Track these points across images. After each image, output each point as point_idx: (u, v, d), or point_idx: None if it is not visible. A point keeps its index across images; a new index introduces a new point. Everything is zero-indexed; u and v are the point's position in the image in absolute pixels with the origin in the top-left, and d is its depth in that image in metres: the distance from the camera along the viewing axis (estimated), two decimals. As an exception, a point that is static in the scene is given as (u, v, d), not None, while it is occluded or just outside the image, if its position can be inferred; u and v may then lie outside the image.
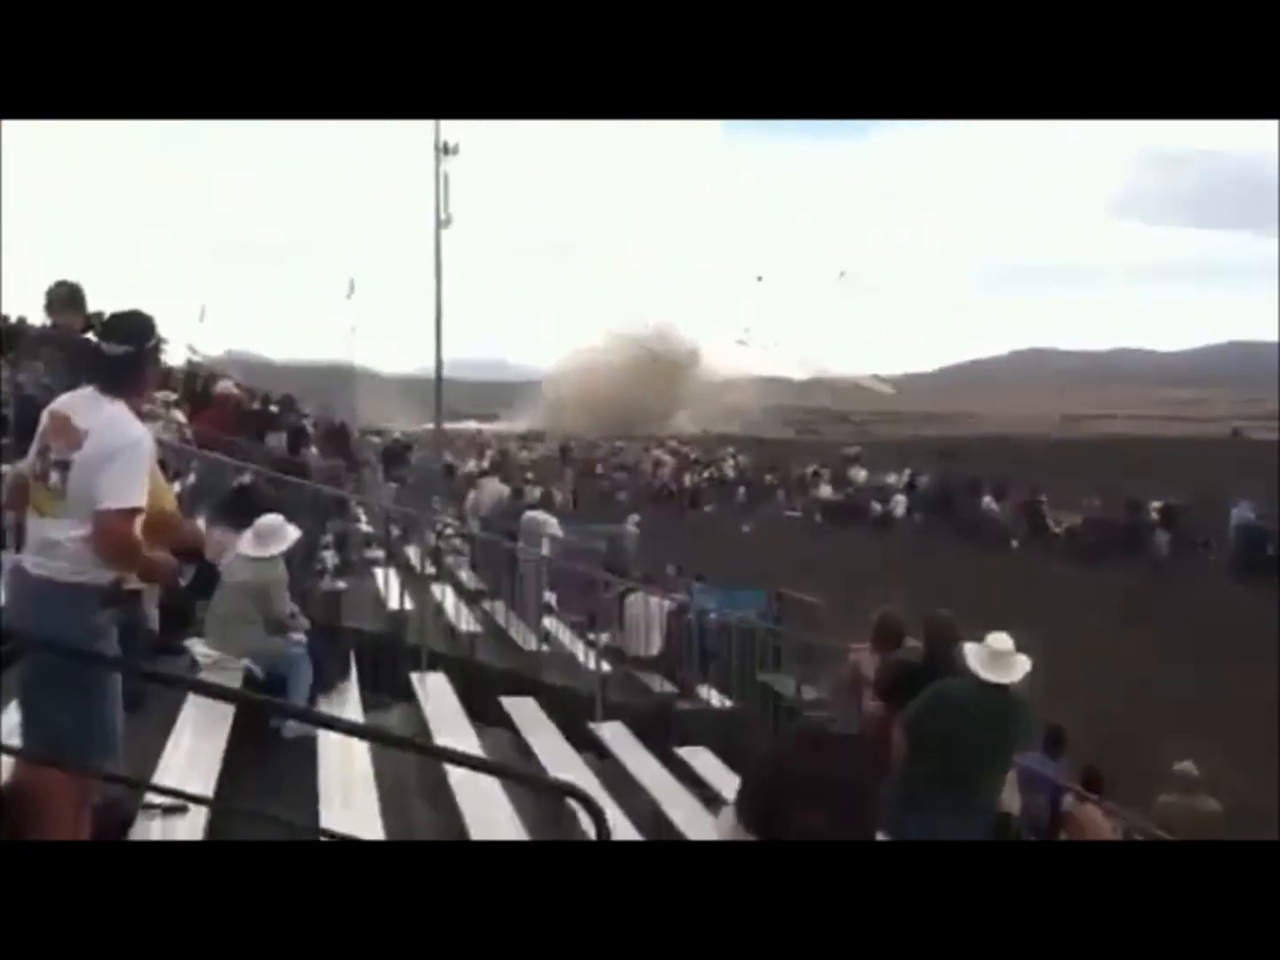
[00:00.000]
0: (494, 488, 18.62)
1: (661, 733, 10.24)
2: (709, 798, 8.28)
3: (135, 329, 4.12)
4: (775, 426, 77.75)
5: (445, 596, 12.22)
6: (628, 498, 38.56)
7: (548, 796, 6.75)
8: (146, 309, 4.26)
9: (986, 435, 58.98)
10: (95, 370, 4.07)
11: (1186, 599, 22.19)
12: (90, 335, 5.80)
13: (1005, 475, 33.56)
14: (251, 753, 6.09)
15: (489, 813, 6.31)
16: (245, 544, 7.43)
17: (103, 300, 7.35)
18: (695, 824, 7.41)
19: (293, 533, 7.63)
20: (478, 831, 6.08)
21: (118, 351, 4.02)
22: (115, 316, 4.25)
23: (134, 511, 3.84)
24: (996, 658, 6.32)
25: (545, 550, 13.60)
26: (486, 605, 13.40)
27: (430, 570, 12.60)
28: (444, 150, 32.17)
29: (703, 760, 9.65)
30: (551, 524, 14.84)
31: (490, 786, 6.58)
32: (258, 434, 13.34)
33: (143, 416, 4.41)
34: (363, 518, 15.54)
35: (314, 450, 15.17)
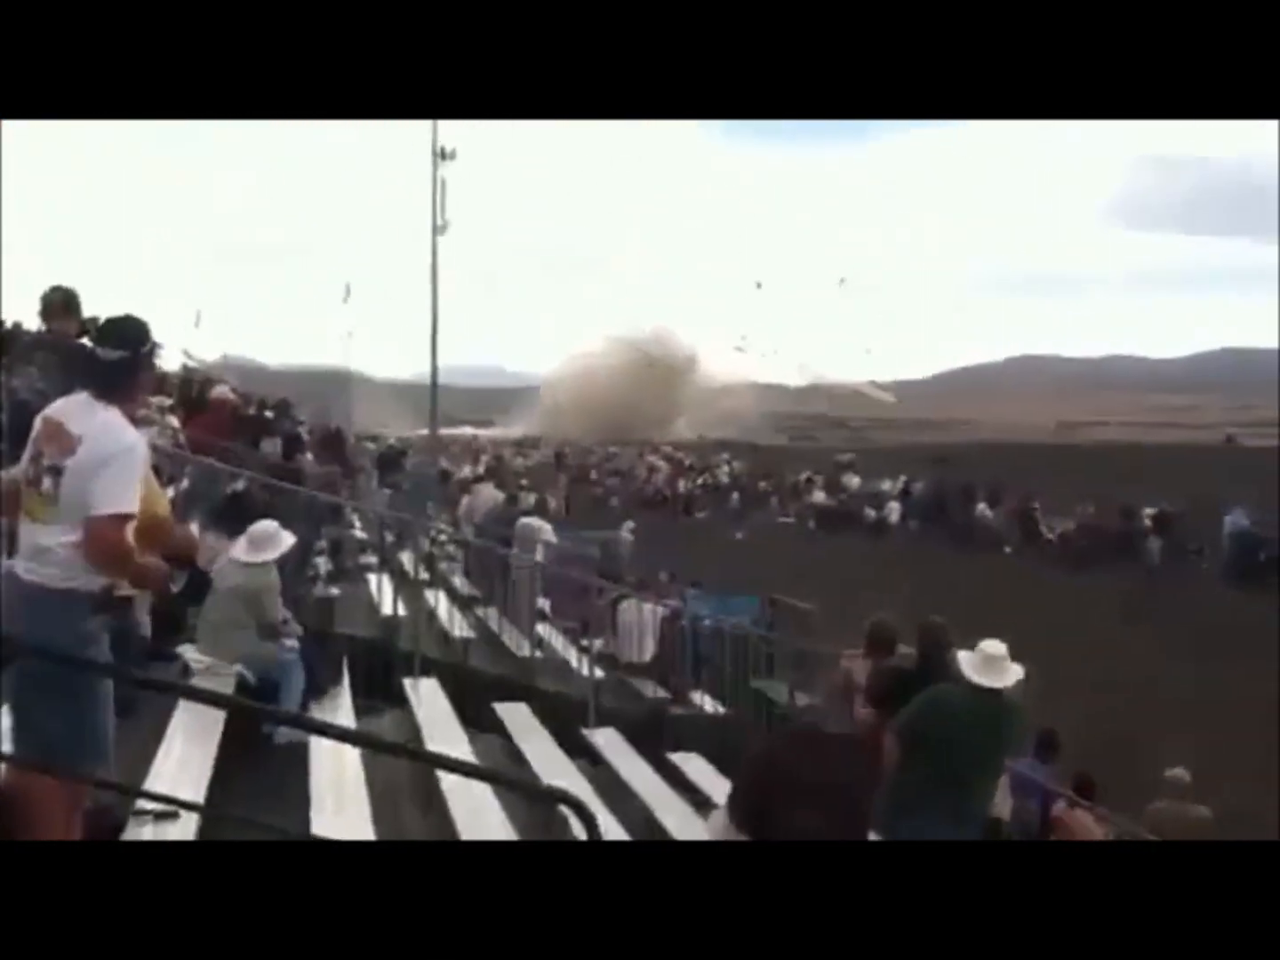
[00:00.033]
0: (488, 493, 18.60)
1: (654, 739, 10.24)
2: (702, 803, 8.28)
3: (129, 334, 4.12)
4: (770, 433, 77.76)
5: (439, 602, 12.20)
6: (621, 504, 38.55)
7: (540, 803, 6.75)
8: (143, 313, 4.27)
9: (981, 442, 59.07)
10: (89, 376, 4.07)
11: (1178, 604, 22.22)
12: (85, 341, 5.80)
13: (1000, 481, 33.61)
14: (243, 759, 6.08)
15: (481, 819, 6.31)
16: (240, 549, 7.43)
17: (99, 304, 7.35)
18: (688, 830, 7.41)
19: (287, 539, 7.63)
20: (470, 837, 6.08)
21: (112, 357, 4.02)
22: (109, 322, 4.25)
23: (126, 518, 3.84)
24: (989, 663, 6.34)
25: (539, 556, 13.59)
26: (480, 611, 13.38)
27: (424, 576, 12.60)
28: (441, 155, 32.22)
29: (696, 766, 9.65)
30: (545, 530, 14.83)
31: (482, 793, 6.58)
32: (252, 440, 13.33)
33: (137, 422, 4.42)
34: (357, 523, 15.53)
35: (309, 456, 15.15)
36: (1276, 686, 16.00)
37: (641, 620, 12.70)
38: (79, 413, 3.98)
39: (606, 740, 9.81)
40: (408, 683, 9.26)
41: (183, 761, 5.63)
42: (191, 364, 24.72)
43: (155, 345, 4.26)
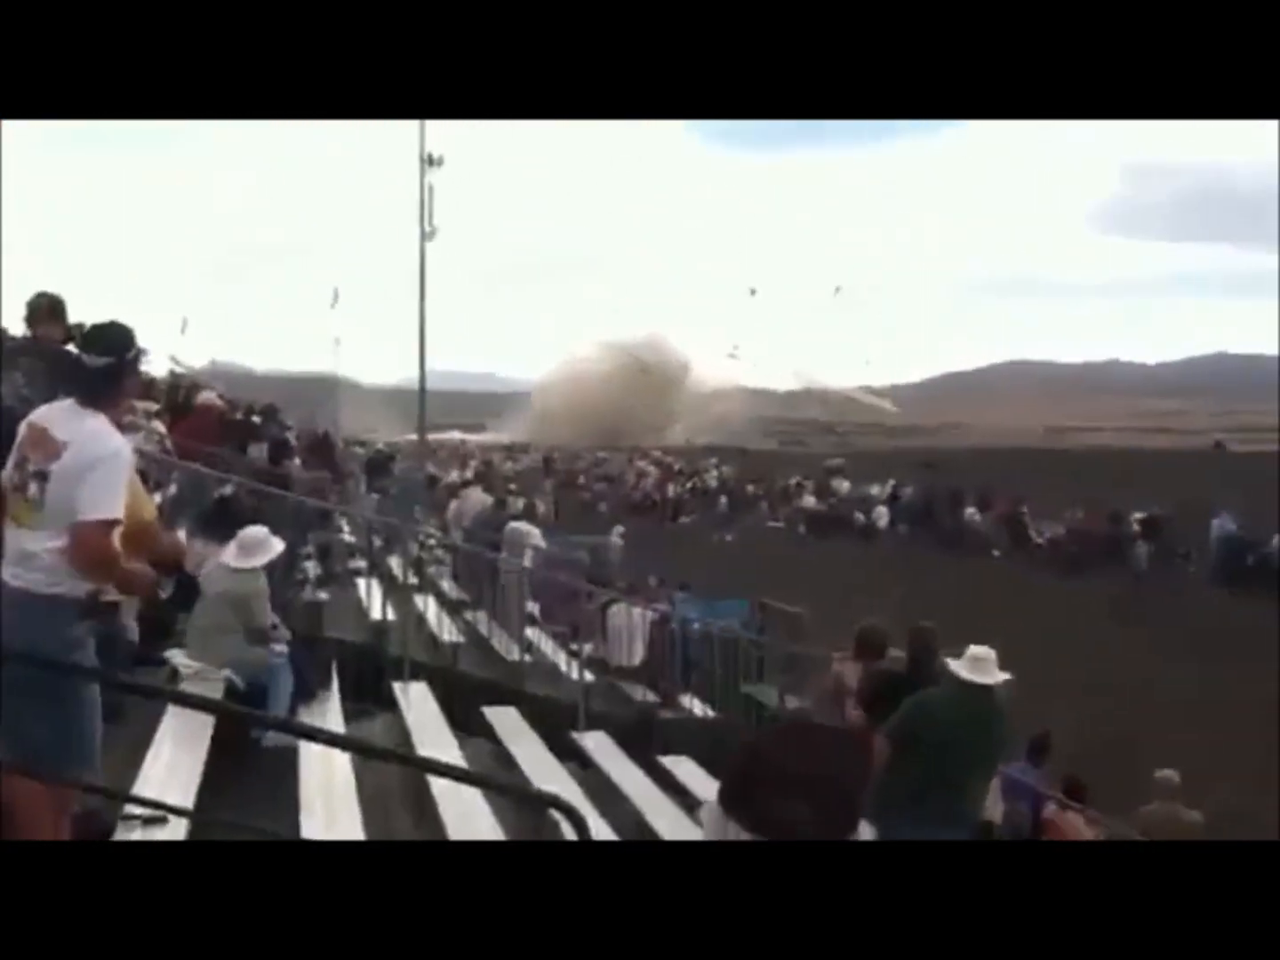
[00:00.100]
0: (477, 498, 18.60)
1: (644, 742, 10.24)
2: (692, 807, 8.28)
3: (115, 340, 4.11)
4: (760, 437, 77.86)
5: (428, 607, 12.19)
6: (609, 509, 38.55)
7: (530, 807, 6.74)
8: (130, 319, 4.27)
9: (970, 447, 59.21)
10: (74, 382, 4.06)
11: (1167, 608, 22.31)
12: (70, 347, 5.78)
13: (989, 486, 33.69)
14: (232, 764, 6.06)
15: (471, 823, 6.30)
16: (229, 555, 7.41)
17: (86, 311, 7.33)
18: (678, 833, 7.42)
19: (277, 544, 7.62)
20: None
21: (97, 363, 4.01)
22: (95, 328, 4.24)
23: (112, 523, 3.82)
24: (977, 663, 6.38)
25: (528, 561, 13.59)
26: (469, 615, 13.37)
27: (413, 580, 12.58)
28: (429, 161, 32.18)
29: (685, 770, 9.65)
30: (534, 535, 14.84)
31: (472, 797, 6.57)
32: (239, 445, 13.28)
33: (123, 427, 4.41)
34: (345, 528, 15.50)
35: (296, 461, 15.11)
36: (1267, 689, 16.08)
37: (631, 624, 12.71)
38: (64, 418, 3.97)
39: (596, 744, 9.80)
40: (397, 687, 9.25)
41: (171, 766, 5.60)
42: (179, 369, 24.64)
43: (140, 351, 4.25)
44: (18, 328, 7.58)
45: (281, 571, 8.72)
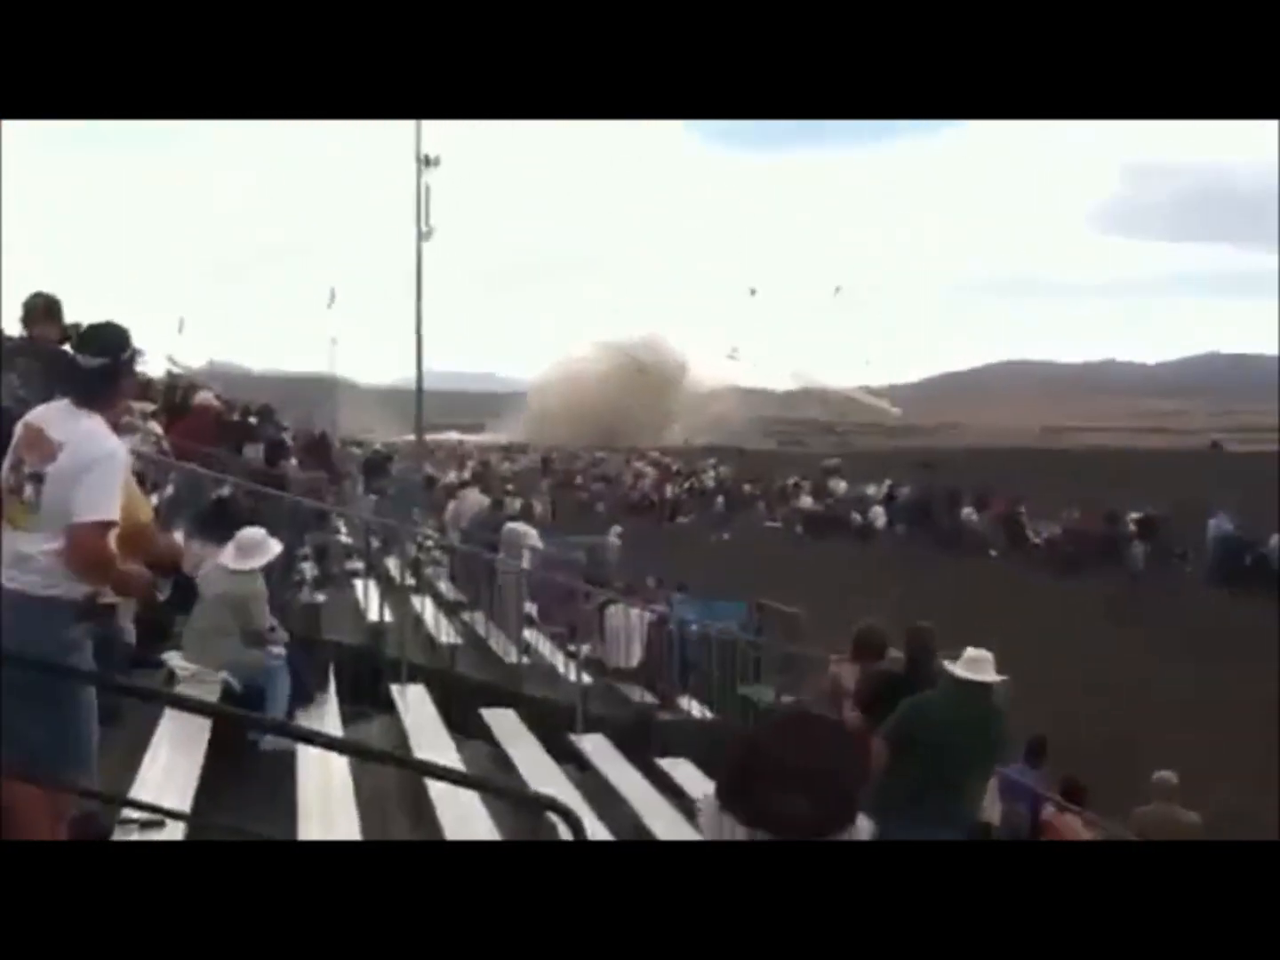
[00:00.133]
0: (474, 499, 18.58)
1: (642, 744, 10.23)
2: (690, 809, 8.26)
3: (110, 341, 4.10)
4: (758, 437, 77.91)
5: (425, 608, 12.17)
6: (606, 509, 38.54)
7: (528, 809, 6.73)
8: (128, 319, 4.26)
9: (967, 447, 59.27)
10: (70, 382, 4.05)
11: (1163, 608, 22.32)
12: (66, 347, 5.77)
13: (986, 486, 33.72)
14: (229, 767, 6.04)
15: (469, 826, 6.29)
16: (227, 556, 7.40)
17: (83, 311, 7.31)
18: (676, 835, 7.40)
19: (275, 546, 7.60)
20: (457, 845, 6.06)
21: (93, 364, 4.00)
22: (91, 328, 4.23)
23: (108, 525, 3.81)
24: (973, 663, 6.38)
25: (525, 562, 13.57)
26: (466, 617, 13.35)
27: (410, 582, 12.57)
28: (425, 162, 32.17)
29: (684, 772, 9.64)
30: (531, 535, 14.82)
31: (470, 800, 6.55)
32: (236, 446, 13.27)
33: (120, 428, 4.39)
34: (342, 529, 15.48)
35: (293, 462, 15.10)
36: (1265, 689, 16.10)
37: (629, 625, 12.70)
38: (60, 419, 3.96)
39: (594, 746, 9.79)
40: (395, 689, 9.24)
41: (168, 770, 5.59)
42: (176, 370, 24.63)
43: (136, 352, 4.24)
44: (14, 328, 7.55)
45: (279, 573, 8.70)
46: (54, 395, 4.15)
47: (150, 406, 12.04)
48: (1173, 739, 14.02)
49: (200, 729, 6.04)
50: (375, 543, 14.18)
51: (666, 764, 9.83)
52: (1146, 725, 15.61)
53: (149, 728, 5.94)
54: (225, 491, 9.59)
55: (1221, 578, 24.93)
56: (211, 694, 6.76)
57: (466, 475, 33.93)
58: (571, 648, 11.84)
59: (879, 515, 34.66)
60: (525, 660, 11.85)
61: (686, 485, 44.51)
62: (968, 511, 32.16)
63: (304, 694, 7.52)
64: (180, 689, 6.65)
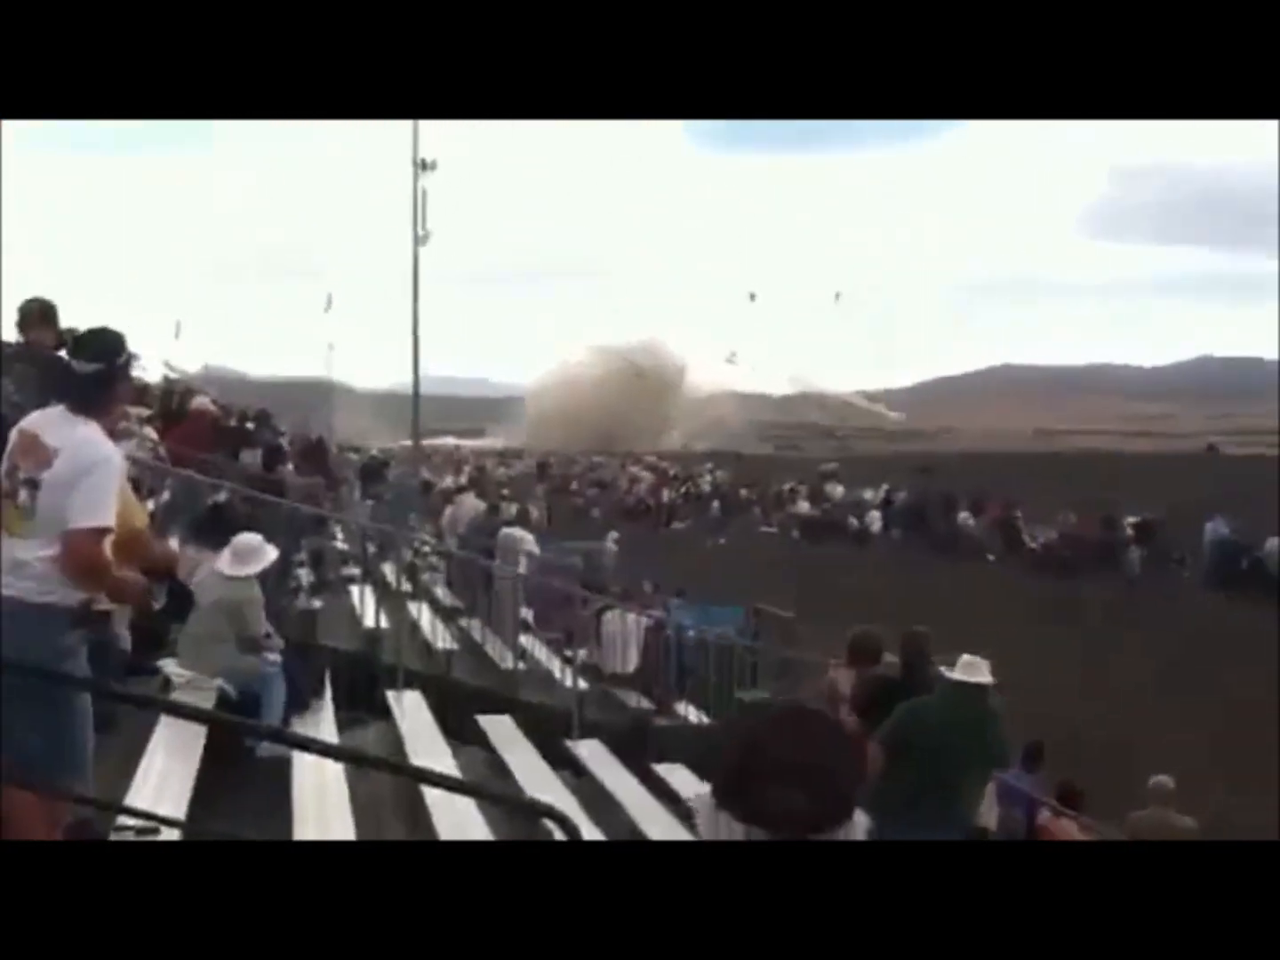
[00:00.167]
0: (470, 504, 18.56)
1: (639, 750, 10.21)
2: (686, 813, 8.25)
3: (105, 347, 4.10)
4: (756, 442, 77.97)
5: (421, 614, 12.16)
6: (602, 514, 38.51)
7: (524, 816, 6.72)
8: (124, 324, 4.26)
9: (963, 451, 59.33)
10: (65, 388, 4.05)
11: (1160, 612, 22.32)
12: (61, 353, 5.77)
13: (982, 490, 33.75)
14: (225, 773, 6.04)
15: (465, 833, 6.28)
16: (223, 562, 7.38)
17: (80, 316, 7.31)
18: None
19: (271, 552, 7.60)
20: (453, 851, 6.04)
21: (88, 369, 4.00)
22: (86, 334, 4.23)
23: (103, 531, 3.81)
24: (968, 667, 6.40)
25: (522, 567, 13.56)
26: (463, 622, 13.35)
27: (406, 588, 12.56)
28: (422, 166, 32.15)
29: (680, 777, 9.62)
30: (528, 541, 14.82)
31: (466, 806, 6.55)
32: (232, 451, 13.26)
33: (116, 434, 4.39)
34: (339, 535, 15.47)
35: (290, 467, 15.09)
36: (1262, 692, 16.12)
37: (625, 631, 12.68)
38: (55, 425, 3.95)
39: (590, 752, 9.78)
40: (391, 695, 9.22)
41: (164, 776, 5.58)
42: (172, 375, 24.60)
43: (131, 357, 4.24)
44: (9, 333, 7.56)
45: (275, 579, 8.69)
46: (49, 401, 4.14)
47: (146, 412, 12.05)
48: (1169, 744, 14.02)
49: (196, 735, 6.03)
50: (372, 548, 14.15)
51: (663, 769, 9.82)
52: (1143, 730, 15.61)
53: (144, 734, 5.93)
54: (221, 497, 9.58)
55: (1218, 582, 24.94)
56: (207, 700, 6.74)
57: (463, 480, 33.89)
58: (568, 653, 11.83)
59: (875, 520, 34.68)
60: (521, 666, 11.84)
61: (683, 490, 44.49)
62: (964, 516, 32.18)
63: (300, 700, 7.51)
64: (176, 695, 6.64)
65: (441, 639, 11.55)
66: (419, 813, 6.65)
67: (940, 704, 6.48)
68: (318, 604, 10.94)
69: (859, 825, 1.95)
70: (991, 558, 29.88)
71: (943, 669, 6.54)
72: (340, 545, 15.08)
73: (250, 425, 16.93)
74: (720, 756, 2.03)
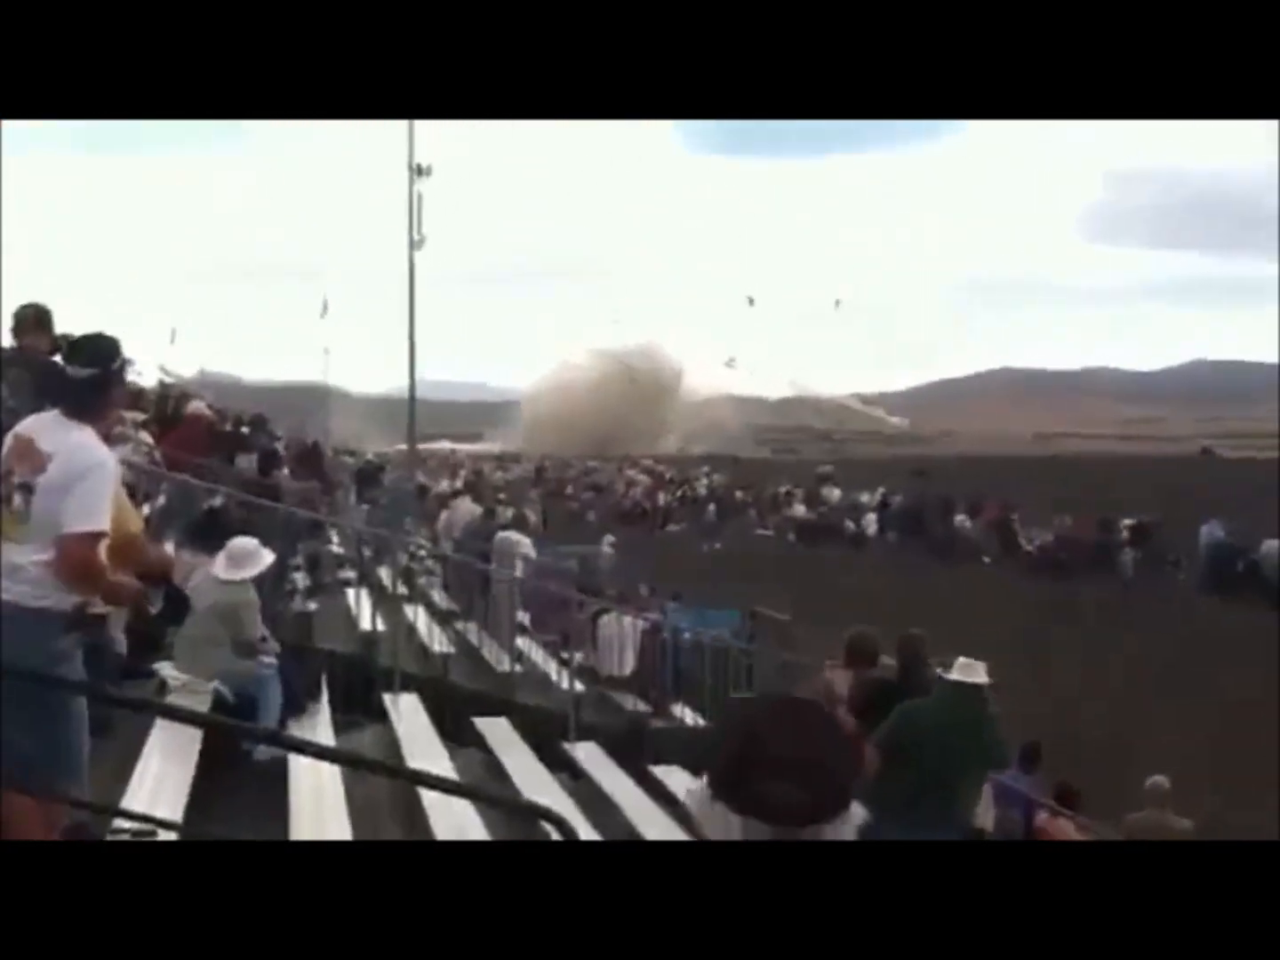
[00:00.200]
0: (466, 508, 18.58)
1: (635, 752, 10.21)
2: (683, 817, 8.25)
3: (100, 352, 4.10)
4: (752, 445, 77.98)
5: (418, 617, 12.16)
6: (598, 518, 38.47)
7: (521, 819, 6.72)
8: (120, 329, 4.27)
9: (959, 454, 59.36)
10: (60, 393, 4.05)
11: (1155, 615, 22.32)
12: (56, 358, 5.76)
13: (979, 493, 33.75)
14: (221, 776, 6.03)
15: (462, 836, 6.27)
16: (219, 566, 7.38)
17: (74, 321, 7.31)
18: (669, 844, 7.38)
19: (267, 556, 7.60)
20: (450, 854, 6.04)
21: (82, 374, 4.00)
22: (80, 339, 4.24)
23: (97, 535, 3.81)
24: (965, 668, 6.41)
25: (518, 571, 13.56)
26: (459, 626, 13.34)
27: (403, 591, 12.56)
28: (417, 171, 32.13)
29: (677, 779, 9.61)
30: (524, 544, 14.81)
31: (463, 809, 6.54)
32: (228, 455, 13.26)
33: (112, 438, 4.39)
34: (335, 539, 15.46)
35: (285, 471, 15.08)
36: (1257, 694, 16.13)
37: (622, 633, 12.69)
38: (50, 430, 3.96)
39: (587, 754, 9.78)
40: (387, 698, 9.22)
41: (160, 779, 5.58)
42: (168, 379, 24.58)
43: (126, 362, 4.25)
44: (4, 338, 7.54)
45: (271, 582, 8.69)
46: (44, 406, 4.15)
47: (142, 416, 12.03)
48: (1165, 745, 14.02)
49: (192, 739, 6.03)
50: (368, 552, 14.15)
51: (660, 772, 9.81)
52: (1140, 731, 15.61)
53: (140, 738, 5.92)
54: (217, 501, 9.58)
55: (1214, 584, 24.93)
56: (203, 704, 6.74)
57: (459, 484, 33.88)
58: (564, 656, 11.83)
59: (872, 523, 34.68)
60: (518, 669, 11.84)
61: (678, 494, 44.44)
62: (960, 519, 32.17)
63: (296, 703, 7.50)
64: (172, 699, 6.64)
65: (438, 642, 11.56)
66: (416, 815, 6.65)
67: (937, 705, 6.48)
68: (314, 607, 10.94)
69: (856, 816, 1.96)
70: (988, 560, 29.88)
71: (939, 670, 6.55)
72: (336, 549, 15.08)
73: (245, 429, 16.93)
74: (720, 748, 2.03)
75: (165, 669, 7.13)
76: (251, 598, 7.41)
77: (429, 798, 6.57)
